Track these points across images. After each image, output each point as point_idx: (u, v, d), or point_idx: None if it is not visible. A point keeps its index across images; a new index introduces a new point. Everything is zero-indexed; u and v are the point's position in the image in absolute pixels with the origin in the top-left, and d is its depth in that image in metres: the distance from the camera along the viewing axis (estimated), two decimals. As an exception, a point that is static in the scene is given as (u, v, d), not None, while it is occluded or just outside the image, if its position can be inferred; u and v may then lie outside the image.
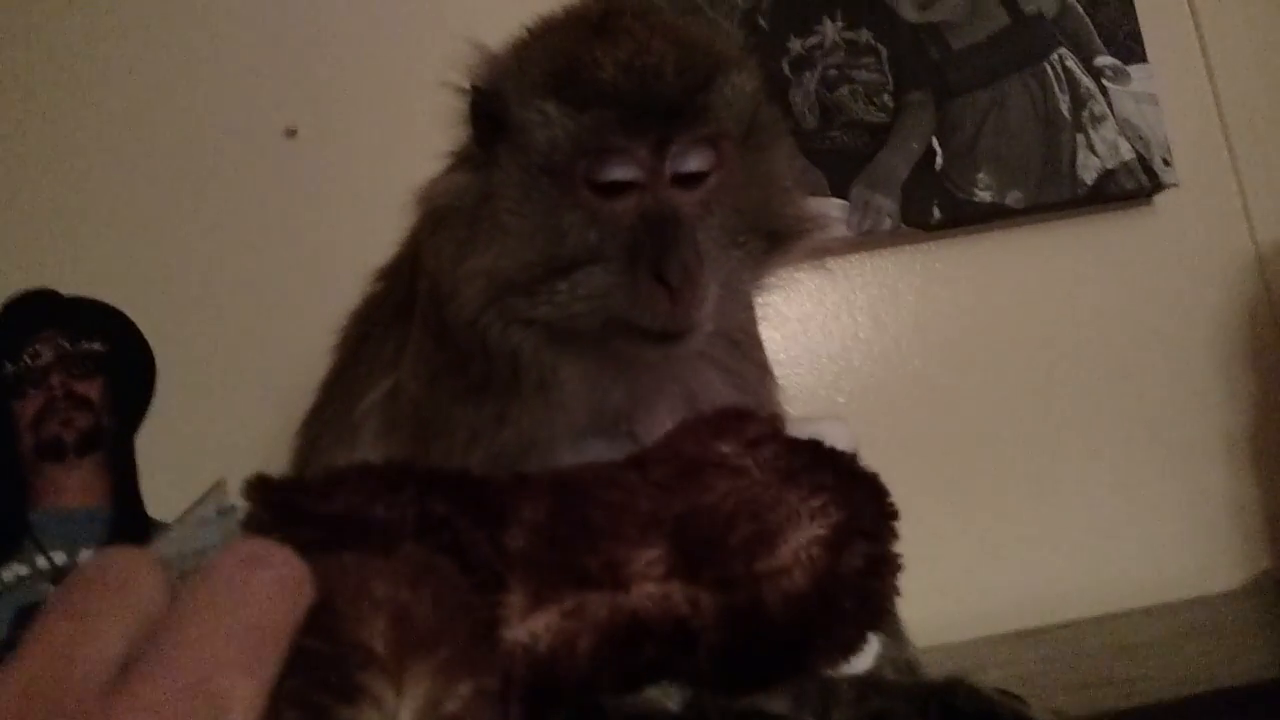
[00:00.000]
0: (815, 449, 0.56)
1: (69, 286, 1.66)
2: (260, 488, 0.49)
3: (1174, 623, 1.58)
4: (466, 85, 0.94)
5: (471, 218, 0.92)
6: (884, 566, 0.52)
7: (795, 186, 1.00)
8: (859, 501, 0.53)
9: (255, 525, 0.47)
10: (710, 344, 0.99)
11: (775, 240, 0.94)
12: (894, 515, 0.54)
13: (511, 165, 0.91)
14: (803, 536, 0.50)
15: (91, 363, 1.61)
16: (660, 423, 1.07)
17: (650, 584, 0.48)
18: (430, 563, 0.44)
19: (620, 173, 0.87)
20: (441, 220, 0.96)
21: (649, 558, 0.49)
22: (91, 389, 1.60)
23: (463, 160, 0.97)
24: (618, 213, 0.88)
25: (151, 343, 1.69)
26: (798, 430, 0.58)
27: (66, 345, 1.60)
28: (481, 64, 0.94)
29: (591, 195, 0.88)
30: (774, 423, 0.58)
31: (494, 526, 0.48)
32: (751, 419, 0.58)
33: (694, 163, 0.89)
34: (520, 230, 0.90)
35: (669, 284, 0.84)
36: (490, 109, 0.92)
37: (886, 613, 0.53)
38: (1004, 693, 0.93)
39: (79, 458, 1.59)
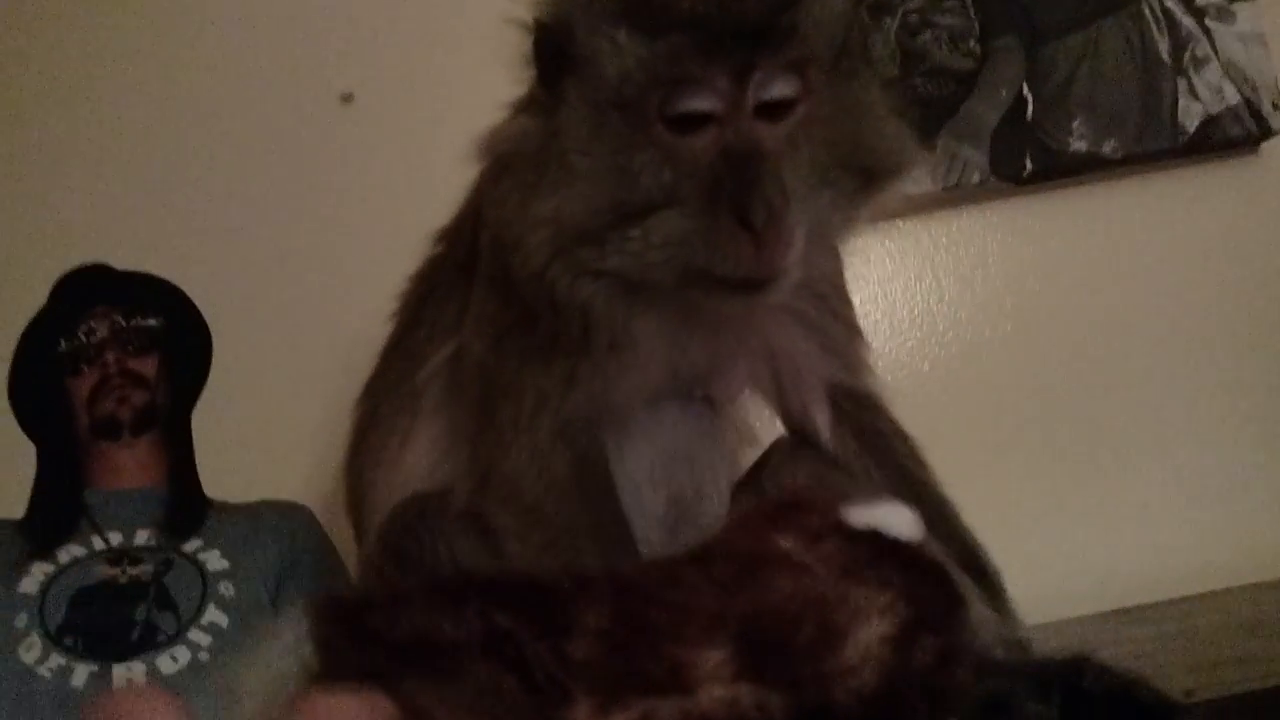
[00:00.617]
0: (877, 541, 0.55)
1: (123, 261, 1.61)
2: (329, 608, 0.49)
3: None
4: (530, 20, 0.87)
5: (536, 163, 0.86)
6: (953, 660, 0.52)
7: (890, 115, 0.92)
8: (925, 595, 0.53)
9: (325, 649, 0.47)
10: (795, 296, 0.92)
11: (870, 177, 0.87)
12: (960, 603, 0.55)
13: (579, 102, 0.84)
14: (870, 634, 0.50)
15: (147, 339, 1.56)
16: (739, 384, 1.00)
17: (718, 687, 0.47)
18: (496, 684, 0.45)
19: (698, 104, 0.80)
20: (505, 168, 0.90)
21: (715, 660, 0.48)
22: (147, 366, 1.55)
23: (526, 104, 0.91)
24: (695, 150, 0.81)
25: (207, 318, 1.63)
26: (858, 516, 0.56)
27: (121, 321, 1.55)
28: None
29: (666, 131, 0.81)
30: (833, 513, 0.56)
31: (558, 636, 0.48)
32: (811, 509, 0.57)
33: (779, 90, 0.81)
34: (589, 173, 0.83)
35: (753, 227, 0.78)
36: (556, 43, 0.86)
37: (958, 705, 0.52)
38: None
39: (135, 436, 1.54)
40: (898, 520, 0.57)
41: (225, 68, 1.79)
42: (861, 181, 0.87)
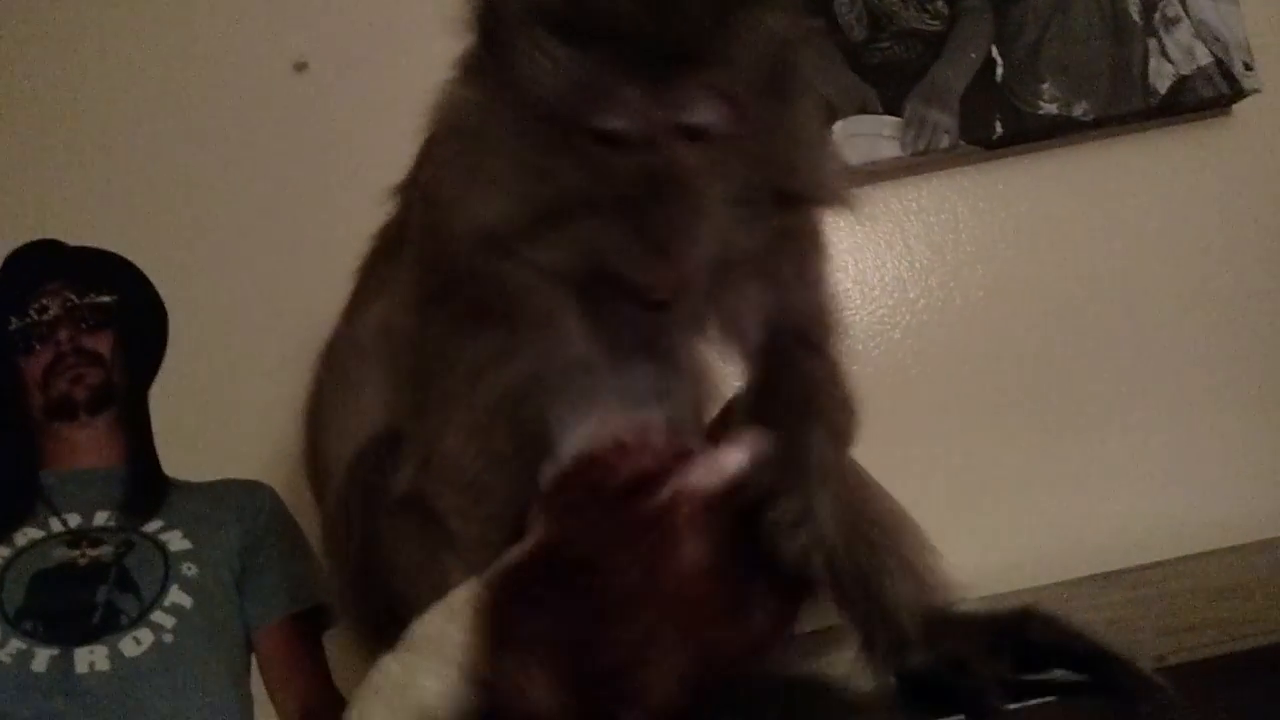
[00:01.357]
0: None
1: (74, 236, 1.57)
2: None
3: (1270, 561, 1.46)
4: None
5: (472, 141, 0.85)
6: None
7: (820, 146, 0.92)
8: None
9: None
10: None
11: (788, 203, 0.86)
12: None
13: (507, 93, 0.82)
14: None
15: (101, 316, 1.52)
16: (681, 339, 0.97)
17: None
18: None
19: (615, 123, 0.79)
20: (442, 139, 0.89)
21: None
22: (101, 343, 1.52)
23: (468, 71, 0.88)
24: (615, 164, 0.80)
25: (162, 293, 1.59)
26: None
27: (74, 298, 1.51)
28: None
29: (588, 140, 0.80)
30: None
31: None
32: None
33: (701, 115, 0.80)
34: (514, 169, 0.82)
35: (664, 250, 0.78)
36: (488, 24, 0.84)
37: None
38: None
39: (91, 416, 1.51)
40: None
41: (177, 37, 1.75)
42: (780, 205, 0.85)
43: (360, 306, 1.04)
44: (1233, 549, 1.57)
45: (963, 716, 0.84)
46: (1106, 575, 1.54)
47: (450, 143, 0.87)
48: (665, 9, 0.77)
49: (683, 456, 0.77)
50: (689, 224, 0.78)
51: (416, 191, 0.96)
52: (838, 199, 0.90)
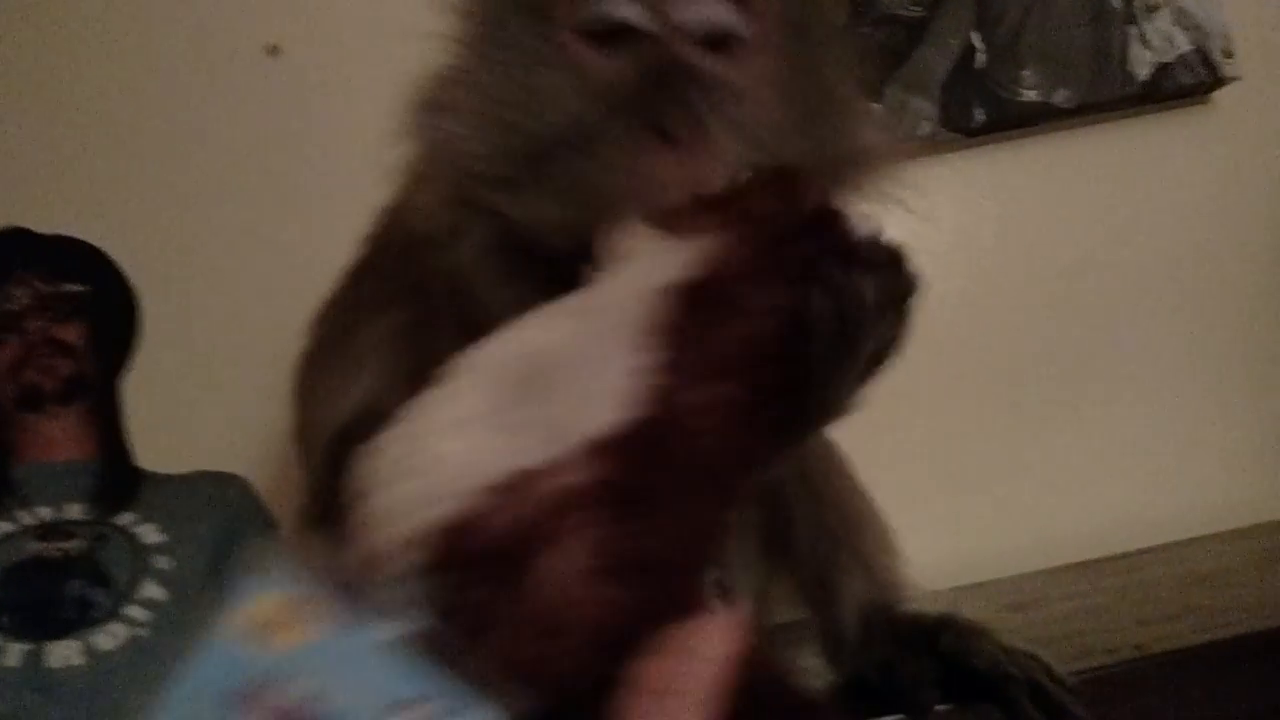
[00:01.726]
0: None
1: (44, 224, 1.55)
2: None
3: (1250, 548, 1.47)
4: None
5: (442, 81, 0.73)
6: None
7: (858, 99, 0.79)
8: None
9: None
10: None
11: (820, 166, 0.71)
12: None
13: (481, 11, 0.72)
14: None
15: (71, 305, 1.50)
16: None
17: None
18: None
19: (618, 9, 0.67)
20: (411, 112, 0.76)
21: None
22: (72, 333, 1.50)
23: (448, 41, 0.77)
24: (612, 71, 0.67)
25: (134, 281, 1.58)
26: None
27: (44, 287, 1.49)
28: None
29: (578, 44, 0.68)
30: None
31: None
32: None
33: (718, 14, 0.68)
34: (488, 100, 0.70)
35: (673, 136, 0.63)
36: None
37: None
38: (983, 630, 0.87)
39: (61, 407, 1.49)
40: None
41: (147, 20, 1.71)
42: (810, 160, 0.71)
43: (359, 304, 0.96)
44: (1212, 536, 1.58)
45: (902, 717, 0.82)
46: (1084, 564, 1.54)
47: (418, 110, 0.75)
48: None
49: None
50: (708, 112, 0.64)
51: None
52: (873, 166, 0.77)
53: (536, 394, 0.49)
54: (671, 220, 0.55)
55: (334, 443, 0.89)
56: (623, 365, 0.50)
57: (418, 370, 0.85)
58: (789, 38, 0.72)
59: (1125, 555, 1.54)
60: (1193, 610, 1.15)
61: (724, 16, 0.68)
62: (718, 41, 0.69)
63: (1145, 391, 1.73)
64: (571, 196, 0.66)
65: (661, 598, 0.44)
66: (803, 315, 0.52)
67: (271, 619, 0.40)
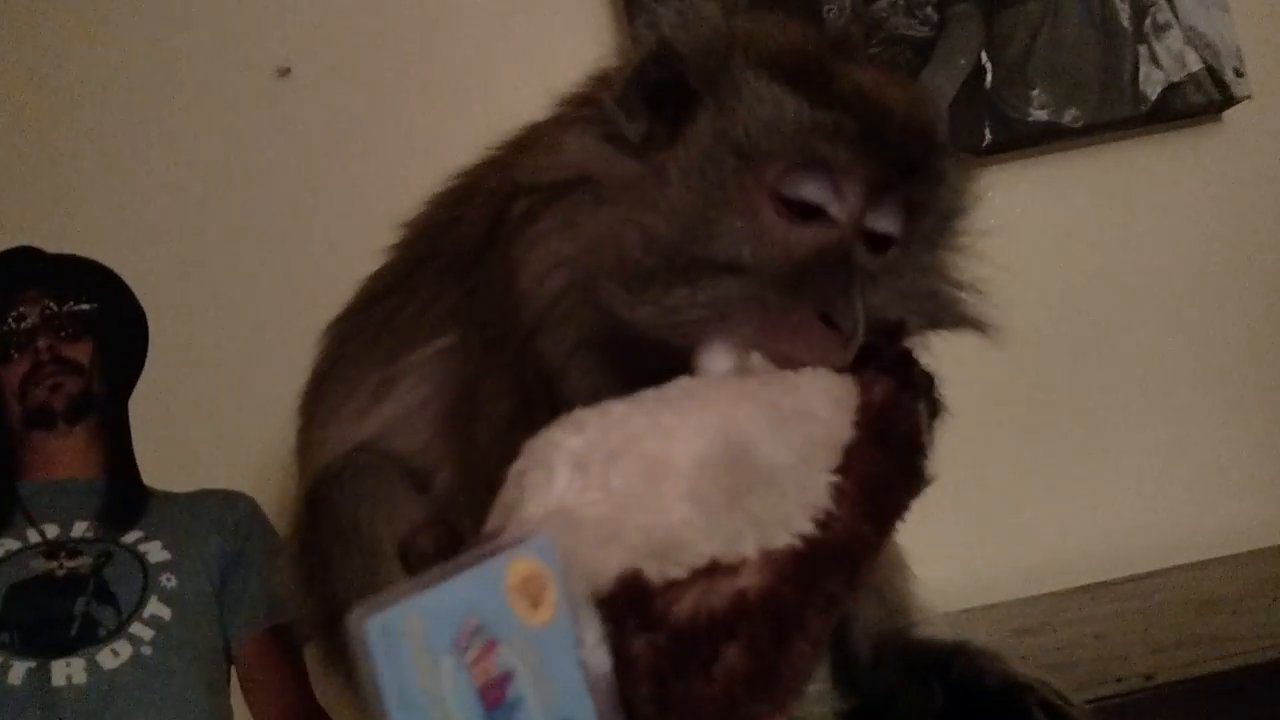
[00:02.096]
0: None
1: (53, 243, 1.55)
2: None
3: (1261, 572, 1.45)
4: (649, 37, 0.79)
5: (608, 196, 0.75)
6: None
7: (971, 288, 0.89)
8: None
9: None
10: None
11: (928, 327, 0.85)
12: None
13: (696, 139, 0.75)
14: None
15: (80, 324, 1.50)
16: None
17: None
18: None
19: (822, 197, 0.73)
20: (561, 192, 0.77)
21: None
22: (81, 352, 1.50)
23: (608, 132, 0.78)
24: (791, 240, 0.73)
25: (142, 300, 1.58)
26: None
27: (53, 306, 1.49)
28: (677, 18, 0.78)
29: (770, 205, 0.73)
30: None
31: None
32: None
33: (893, 225, 0.77)
34: (669, 209, 0.73)
35: (837, 325, 0.69)
36: (681, 71, 0.76)
37: None
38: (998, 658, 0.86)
39: (69, 425, 1.49)
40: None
41: (160, 41, 1.72)
42: (921, 327, 0.84)
43: (395, 326, 0.93)
44: (1222, 560, 1.56)
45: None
46: (1094, 587, 1.53)
47: (575, 197, 0.76)
48: (901, 116, 0.74)
49: None
50: (862, 313, 0.71)
51: (492, 246, 0.82)
52: (968, 330, 0.89)
53: (742, 485, 0.55)
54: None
55: (324, 475, 0.88)
56: (824, 482, 0.57)
57: (453, 406, 0.85)
58: (928, 241, 0.82)
59: (1134, 578, 1.53)
60: (1204, 636, 1.13)
61: (894, 227, 0.77)
62: (882, 243, 0.77)
63: (1155, 413, 1.72)
64: (706, 310, 0.71)
65: (786, 704, 0.52)
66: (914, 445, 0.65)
67: (526, 583, 0.45)
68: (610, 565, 0.49)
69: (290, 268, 1.63)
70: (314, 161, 1.67)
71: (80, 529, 1.44)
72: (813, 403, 0.62)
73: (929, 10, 1.70)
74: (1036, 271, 1.75)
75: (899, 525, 0.65)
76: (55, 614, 1.35)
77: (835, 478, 0.58)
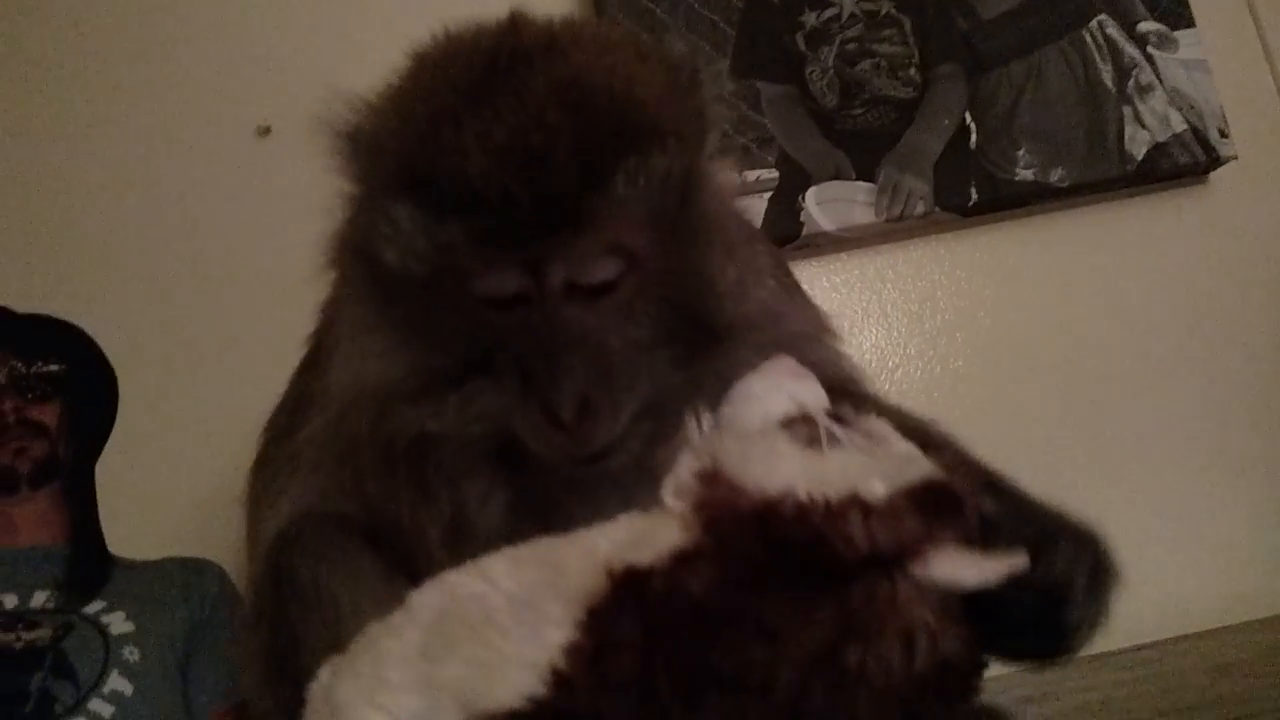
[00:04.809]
0: None
1: (23, 303, 1.52)
2: None
3: (1271, 640, 1.40)
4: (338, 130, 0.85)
5: (354, 313, 0.83)
6: None
7: (744, 276, 0.83)
8: None
9: None
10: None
11: (717, 337, 0.78)
12: None
13: (364, 278, 0.80)
14: None
15: (48, 385, 1.47)
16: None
17: None
18: None
19: (498, 288, 0.73)
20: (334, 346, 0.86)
21: None
22: (48, 414, 1.47)
23: (342, 248, 0.87)
24: (506, 324, 0.74)
25: (114, 362, 1.54)
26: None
27: (20, 366, 1.46)
28: (350, 114, 0.86)
29: (476, 303, 0.74)
30: None
31: None
32: None
33: (593, 274, 0.73)
34: (404, 337, 0.77)
35: (559, 421, 0.71)
36: (353, 195, 0.83)
37: None
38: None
39: (33, 490, 1.45)
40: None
41: (140, 99, 1.72)
42: (709, 340, 0.78)
43: (301, 403, 0.98)
44: (1229, 629, 1.51)
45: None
46: (1100, 656, 1.48)
47: (338, 317, 0.85)
48: (532, 171, 0.69)
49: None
50: (592, 384, 0.72)
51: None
52: (764, 331, 0.82)
53: (461, 647, 0.53)
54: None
55: (273, 548, 0.87)
56: (551, 639, 0.52)
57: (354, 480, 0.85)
58: (671, 242, 0.77)
59: (1142, 647, 1.48)
60: (1213, 703, 1.10)
61: (593, 275, 0.73)
62: (595, 291, 0.74)
63: (1152, 475, 1.68)
64: (482, 421, 0.76)
65: None
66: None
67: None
68: None
69: (269, 327, 1.60)
70: (294, 220, 1.65)
71: (40, 599, 1.38)
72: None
73: (912, 72, 1.71)
74: (1026, 331, 1.73)
75: None
76: (10, 690, 1.29)
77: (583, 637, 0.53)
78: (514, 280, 0.72)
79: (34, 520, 1.45)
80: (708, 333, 0.78)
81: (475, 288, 0.73)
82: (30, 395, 1.46)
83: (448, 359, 0.76)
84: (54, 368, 1.48)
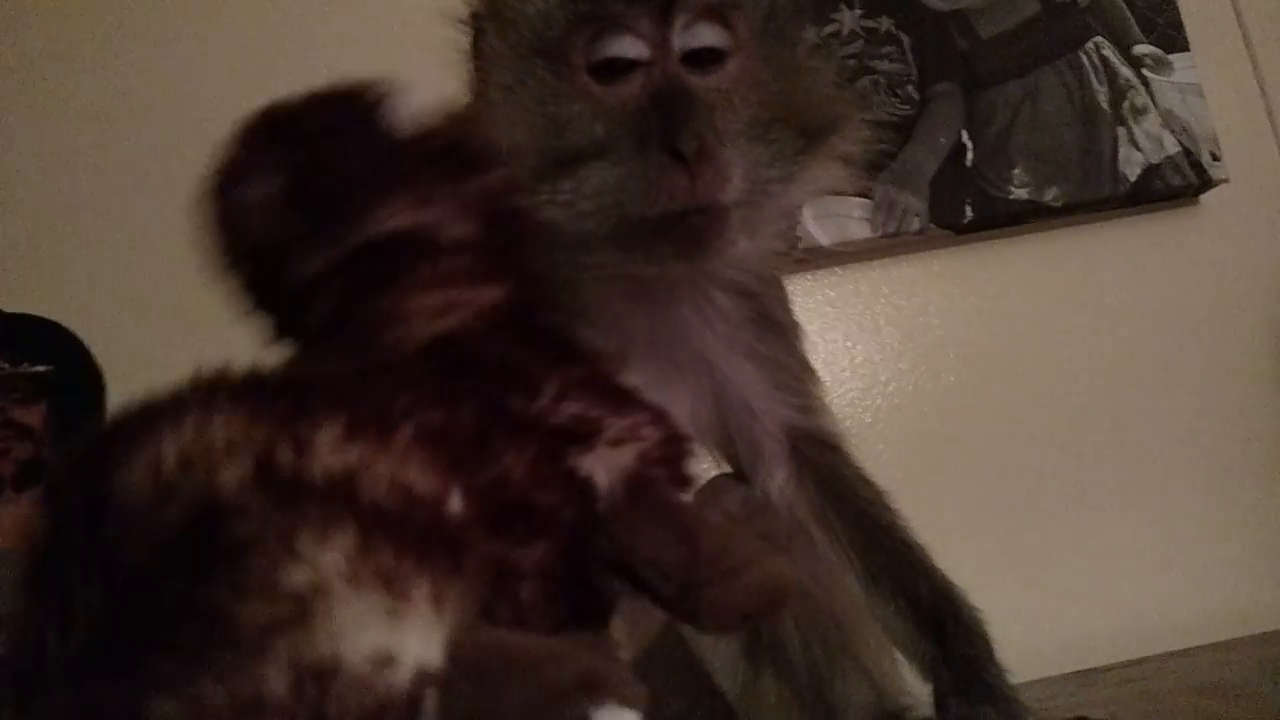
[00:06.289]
0: None
1: (7, 302, 1.50)
2: None
3: (1261, 657, 1.41)
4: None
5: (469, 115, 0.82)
6: None
7: (826, 75, 0.89)
8: None
9: None
10: (742, 326, 0.89)
11: (810, 136, 0.83)
12: None
13: (504, 52, 0.82)
14: None
15: (33, 386, 1.44)
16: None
17: None
18: None
19: (621, 49, 0.78)
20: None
21: None
22: (33, 416, 1.44)
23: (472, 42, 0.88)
24: (622, 98, 0.78)
25: (102, 364, 1.51)
26: None
27: (5, 366, 1.43)
28: None
29: (592, 82, 0.79)
30: None
31: None
32: None
33: (705, 38, 0.79)
34: (515, 119, 0.79)
35: (683, 155, 0.74)
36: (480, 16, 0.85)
37: None
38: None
39: (16, 493, 1.42)
40: None
41: (126, 106, 1.70)
42: (800, 140, 0.83)
43: None
44: (1219, 645, 1.51)
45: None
46: (1087, 673, 1.48)
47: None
48: None
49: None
50: (709, 131, 0.75)
51: None
52: (848, 124, 0.87)
53: None
54: None
55: None
56: None
57: None
58: (765, 40, 0.84)
59: (1129, 664, 1.48)
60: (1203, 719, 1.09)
61: (708, 39, 0.80)
62: (707, 59, 0.80)
63: (1144, 493, 1.69)
64: (596, 199, 0.77)
65: None
66: None
67: None
68: None
69: (263, 329, 1.58)
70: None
71: (21, 603, 1.36)
72: None
73: (909, 90, 1.71)
74: (1019, 348, 1.73)
75: None
76: (-11, 695, 1.26)
77: None
78: (639, 38, 0.78)
79: (18, 524, 1.42)
80: (799, 130, 0.82)
81: (602, 50, 0.78)
82: (15, 396, 1.43)
83: (563, 144, 0.78)
84: (40, 368, 1.45)
